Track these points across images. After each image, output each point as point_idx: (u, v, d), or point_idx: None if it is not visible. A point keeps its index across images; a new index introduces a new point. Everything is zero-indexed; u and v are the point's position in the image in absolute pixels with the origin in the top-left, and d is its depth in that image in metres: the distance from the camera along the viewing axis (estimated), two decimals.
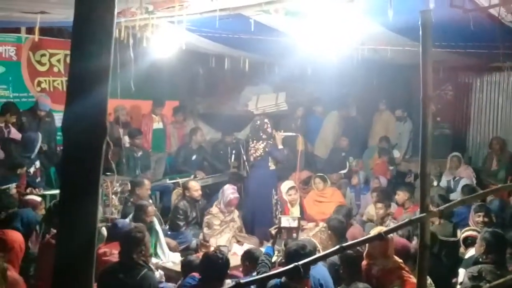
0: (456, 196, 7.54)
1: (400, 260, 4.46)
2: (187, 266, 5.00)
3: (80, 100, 1.69)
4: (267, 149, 7.70)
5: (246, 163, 8.21)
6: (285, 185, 7.67)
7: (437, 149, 7.96)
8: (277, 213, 7.41)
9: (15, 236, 4.68)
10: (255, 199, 7.62)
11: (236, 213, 7.19)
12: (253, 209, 7.58)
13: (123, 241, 4.62)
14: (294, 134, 8.47)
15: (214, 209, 7.04)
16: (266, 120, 7.79)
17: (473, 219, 5.93)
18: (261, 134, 7.73)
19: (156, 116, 9.43)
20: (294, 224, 5.49)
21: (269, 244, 5.29)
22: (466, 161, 9.10)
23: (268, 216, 7.51)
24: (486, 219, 5.82)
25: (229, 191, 7.06)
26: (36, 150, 7.35)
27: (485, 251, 4.62)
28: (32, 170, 7.29)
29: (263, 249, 5.31)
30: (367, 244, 4.46)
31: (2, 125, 7.38)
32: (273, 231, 5.41)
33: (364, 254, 4.51)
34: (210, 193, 8.27)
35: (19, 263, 4.59)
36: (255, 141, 7.77)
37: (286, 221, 5.49)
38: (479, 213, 5.88)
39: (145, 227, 4.98)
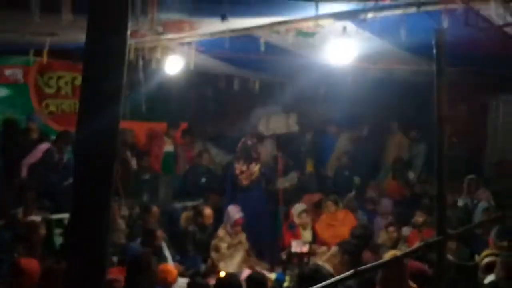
0: (475, 219, 7.34)
1: (415, 286, 4.28)
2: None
3: (91, 123, 1.69)
4: (261, 170, 7.71)
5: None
6: (296, 208, 7.52)
7: (452, 170, 7.78)
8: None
9: (30, 264, 4.63)
10: (254, 223, 7.31)
11: (243, 235, 7.03)
12: (254, 233, 7.26)
13: (129, 267, 4.63)
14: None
15: (221, 232, 6.94)
16: (254, 140, 7.76)
17: (493, 242, 5.75)
18: (253, 154, 7.69)
19: (168, 139, 9.34)
20: (305, 249, 5.39)
21: (280, 270, 5.18)
22: (483, 183, 8.88)
23: (271, 240, 7.40)
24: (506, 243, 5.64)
25: (234, 211, 6.99)
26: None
27: (506, 276, 4.47)
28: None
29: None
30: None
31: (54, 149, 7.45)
32: (283, 256, 5.30)
33: (378, 278, 4.33)
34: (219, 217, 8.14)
35: None
36: (246, 164, 7.69)
37: (297, 246, 5.40)
38: (499, 236, 5.70)
39: (152, 253, 4.92)
